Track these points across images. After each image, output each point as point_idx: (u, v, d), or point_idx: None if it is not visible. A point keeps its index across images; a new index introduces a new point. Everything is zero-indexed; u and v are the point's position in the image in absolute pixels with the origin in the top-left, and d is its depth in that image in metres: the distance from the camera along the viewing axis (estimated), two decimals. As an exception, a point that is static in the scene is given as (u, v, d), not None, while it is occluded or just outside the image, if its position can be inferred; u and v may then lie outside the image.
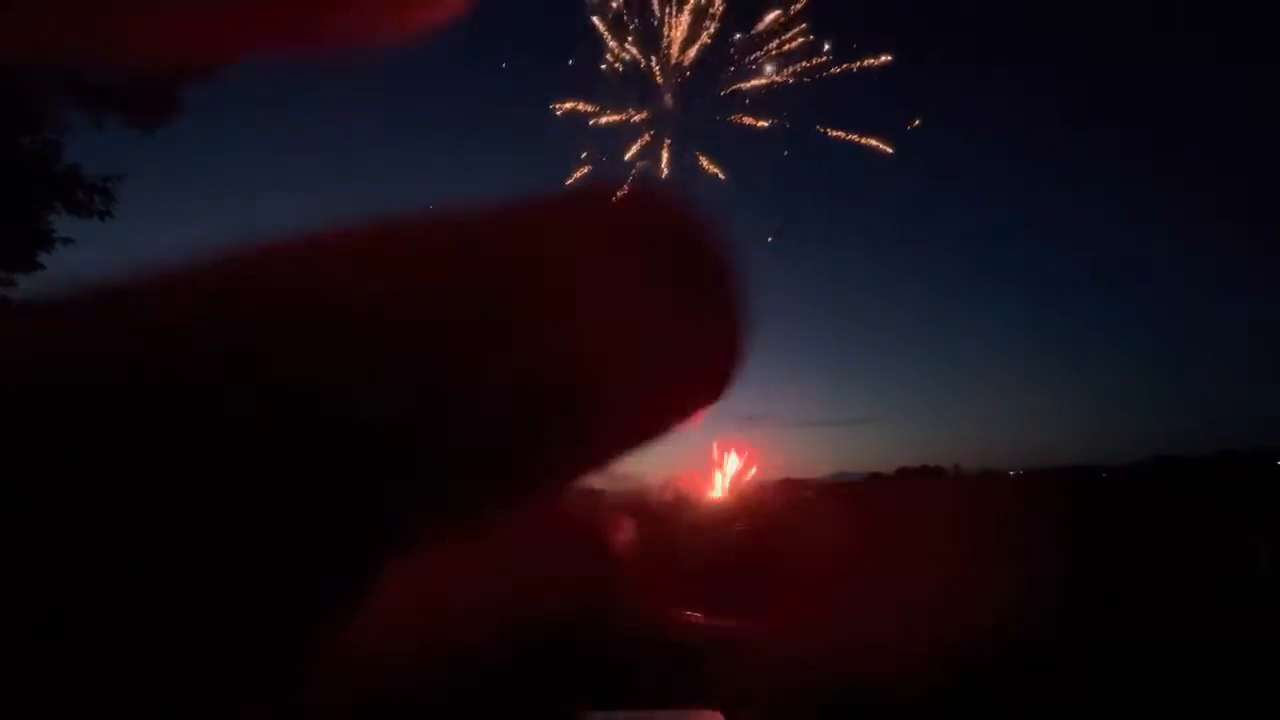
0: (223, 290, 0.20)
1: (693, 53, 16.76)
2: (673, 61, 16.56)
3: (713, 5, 15.98)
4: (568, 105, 17.19)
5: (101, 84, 9.46)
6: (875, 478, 45.45)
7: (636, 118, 17.26)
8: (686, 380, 0.28)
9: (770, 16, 15.88)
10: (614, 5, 16.14)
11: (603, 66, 16.90)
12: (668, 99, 17.04)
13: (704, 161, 17.62)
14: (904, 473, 46.28)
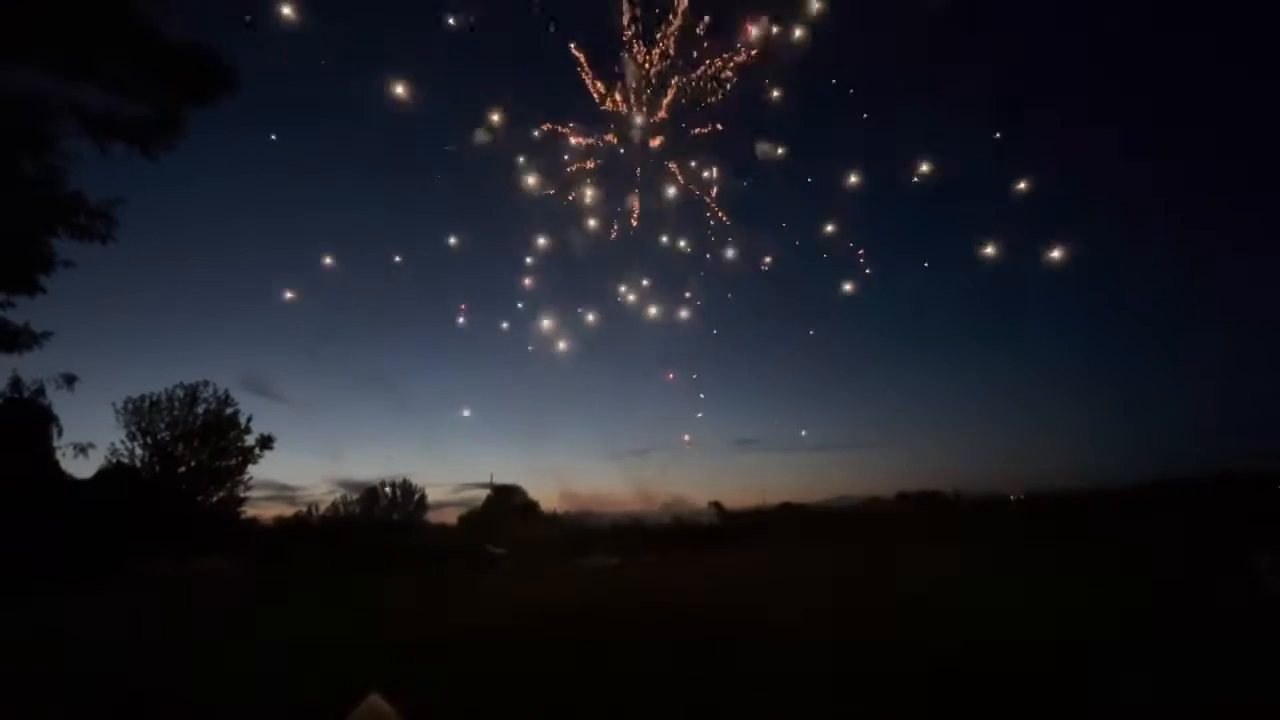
0: None
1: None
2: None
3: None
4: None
5: (106, 111, 9.66)
6: (874, 501, 45.13)
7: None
8: None
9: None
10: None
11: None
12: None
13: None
14: (903, 498, 45.95)
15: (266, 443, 30.17)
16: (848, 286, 20.20)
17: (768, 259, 20.85)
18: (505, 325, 21.99)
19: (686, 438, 26.60)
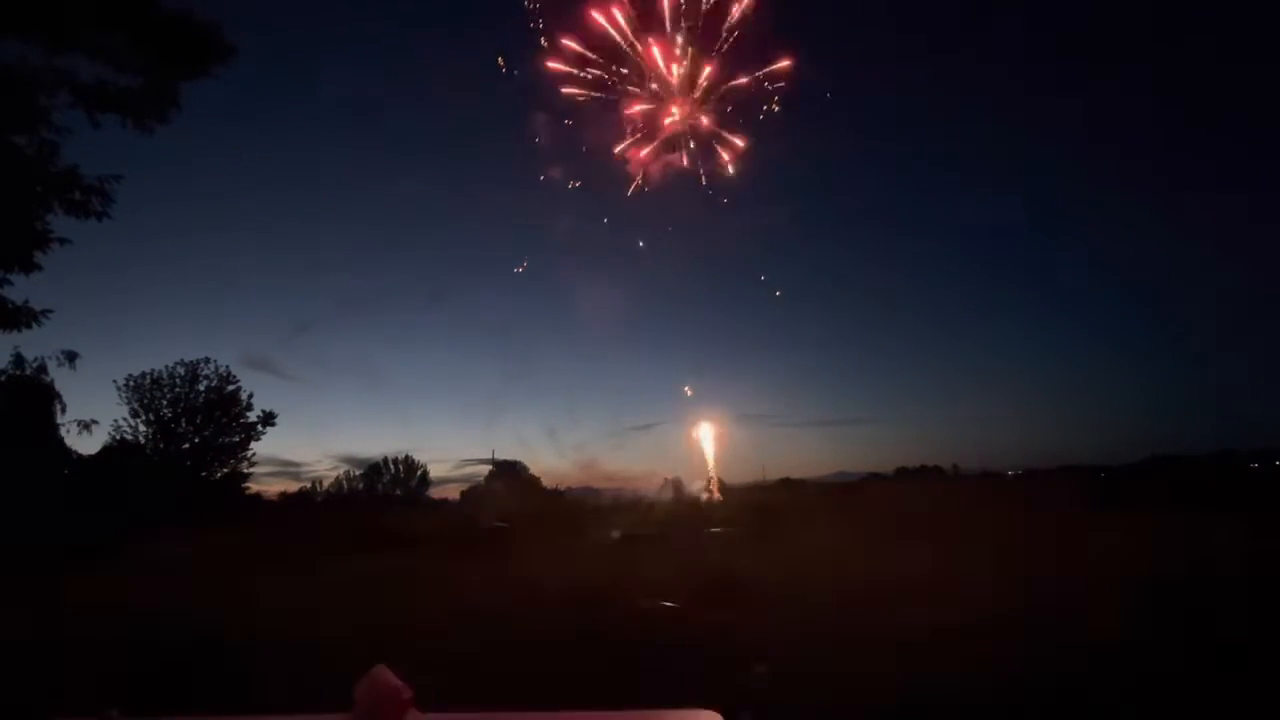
0: None
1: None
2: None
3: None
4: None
5: (97, 81, 9.44)
6: (874, 477, 45.44)
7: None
8: None
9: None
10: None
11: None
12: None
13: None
14: (903, 473, 46.32)
15: (268, 419, 30.30)
16: None
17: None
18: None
19: (687, 389, 27.27)
